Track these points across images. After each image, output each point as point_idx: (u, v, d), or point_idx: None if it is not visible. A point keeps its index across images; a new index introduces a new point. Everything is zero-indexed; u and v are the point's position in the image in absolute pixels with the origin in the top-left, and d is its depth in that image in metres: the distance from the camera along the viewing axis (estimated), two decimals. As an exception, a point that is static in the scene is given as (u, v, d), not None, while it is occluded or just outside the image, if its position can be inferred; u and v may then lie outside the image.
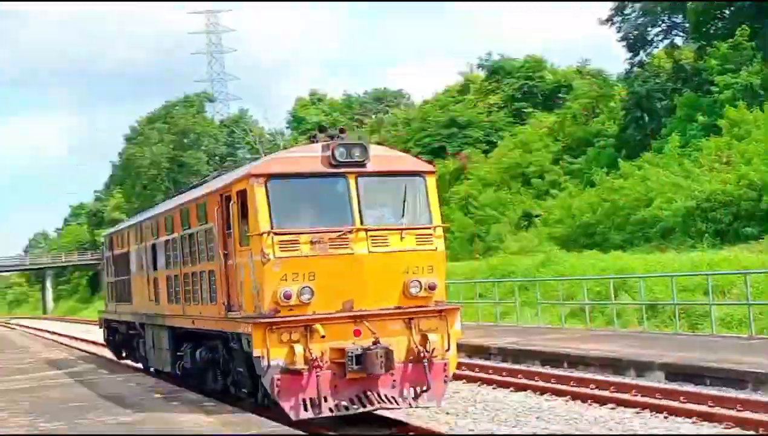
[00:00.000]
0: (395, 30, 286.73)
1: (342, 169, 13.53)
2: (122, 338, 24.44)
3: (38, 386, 18.97)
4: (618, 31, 52.56)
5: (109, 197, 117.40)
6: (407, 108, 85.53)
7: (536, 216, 45.62)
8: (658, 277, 25.60)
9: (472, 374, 19.73)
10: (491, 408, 15.65)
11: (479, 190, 52.69)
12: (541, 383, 17.56)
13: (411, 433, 12.28)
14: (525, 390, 17.26)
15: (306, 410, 12.70)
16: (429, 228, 13.99)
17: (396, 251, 13.56)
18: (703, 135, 38.74)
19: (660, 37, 52.17)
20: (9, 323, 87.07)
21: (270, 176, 13.31)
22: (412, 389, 13.34)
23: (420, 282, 13.58)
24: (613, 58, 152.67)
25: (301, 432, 11.86)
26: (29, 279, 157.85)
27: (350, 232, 13.31)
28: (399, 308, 13.48)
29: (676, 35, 52.18)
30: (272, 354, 12.63)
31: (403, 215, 14.09)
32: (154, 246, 19.24)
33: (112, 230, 27.23)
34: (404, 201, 14.14)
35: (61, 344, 38.70)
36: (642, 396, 15.37)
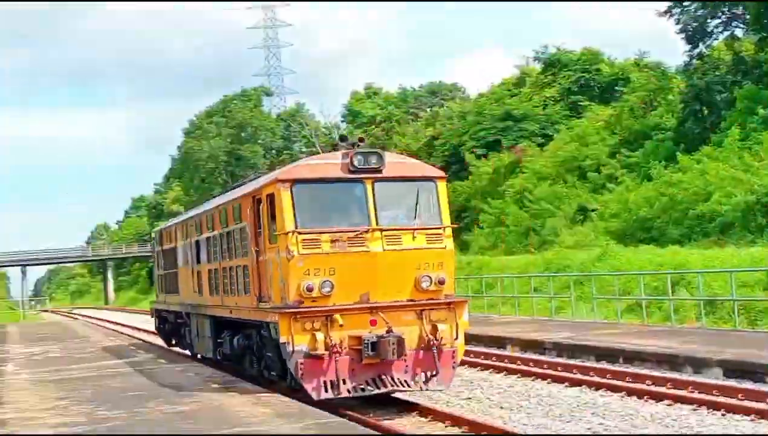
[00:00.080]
0: (452, 23, 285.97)
1: (360, 175, 14.99)
2: (171, 327, 26.22)
3: (99, 375, 19.38)
4: (677, 23, 51.73)
5: (168, 190, 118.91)
6: (462, 101, 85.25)
7: (592, 210, 45.24)
8: (716, 272, 25.30)
9: (527, 368, 19.68)
10: (545, 403, 15.62)
11: (534, 184, 52.37)
12: (596, 379, 17.45)
13: (484, 433, 12.41)
14: (580, 385, 17.15)
15: (326, 391, 14.13)
16: (439, 228, 15.39)
17: (408, 248, 14.98)
18: (763, 128, 38.05)
19: (720, 29, 51.24)
20: (71, 313, 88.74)
21: (295, 181, 14.85)
22: (423, 374, 14.72)
23: (430, 277, 14.99)
24: (671, 50, 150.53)
25: (367, 430, 11.98)
26: (91, 270, 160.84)
27: (366, 231, 14.73)
28: (411, 300, 14.93)
29: (736, 27, 51.25)
30: (296, 341, 14.10)
31: (415, 217, 15.42)
32: (197, 242, 20.87)
33: (161, 226, 28.94)
34: (417, 204, 15.48)
35: (121, 333, 39.37)
36: (699, 393, 15.23)
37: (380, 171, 15.14)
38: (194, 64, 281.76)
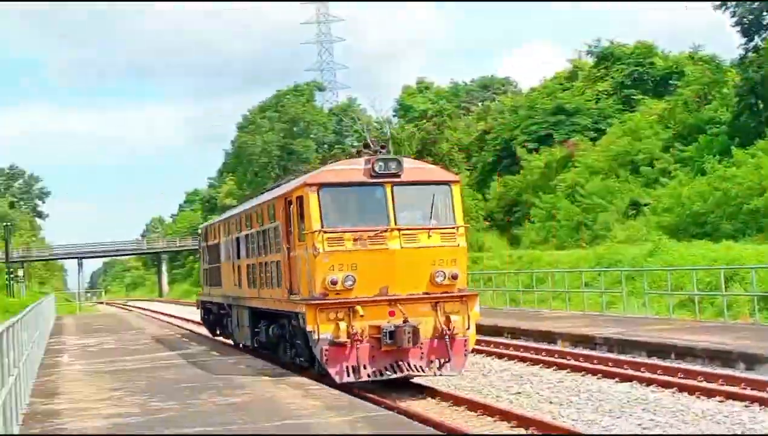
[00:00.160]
0: (503, 17, 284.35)
1: (380, 180, 16.34)
2: (215, 318, 27.79)
3: (153, 367, 19.68)
4: (732, 16, 51.01)
5: (221, 184, 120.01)
6: (514, 95, 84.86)
7: (645, 205, 44.84)
8: (771, 268, 24.96)
9: (577, 363, 19.59)
10: (595, 399, 15.55)
11: (586, 178, 52.00)
12: (647, 374, 17.32)
13: (553, 433, 12.47)
14: (631, 381, 17.01)
15: (348, 375, 15.52)
16: (452, 228, 16.67)
17: (424, 246, 16.31)
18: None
19: (775, 22, 50.46)
20: (126, 305, 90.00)
21: (321, 185, 16.23)
22: (437, 360, 16.01)
23: (444, 272, 16.24)
24: (726, 43, 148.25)
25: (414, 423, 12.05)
26: (146, 263, 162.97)
27: (386, 231, 16.09)
28: (427, 293, 16.21)
29: (792, 19, 50.40)
30: (321, 329, 15.49)
31: (431, 217, 16.71)
32: (237, 239, 22.46)
33: (206, 224, 31.01)
34: (432, 205, 16.76)
35: (175, 325, 39.83)
36: (752, 390, 15.08)
37: (399, 176, 16.43)
38: (248, 60, 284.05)
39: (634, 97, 60.78)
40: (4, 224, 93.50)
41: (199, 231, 31.50)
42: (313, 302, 15.71)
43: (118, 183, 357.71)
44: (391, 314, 15.86)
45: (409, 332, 15.48)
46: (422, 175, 17.13)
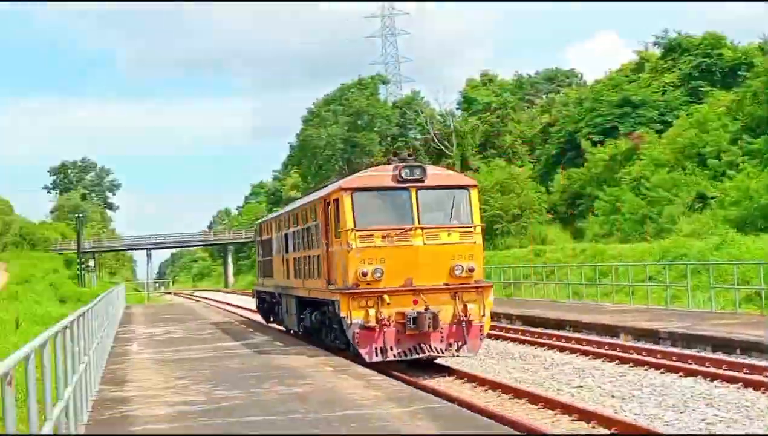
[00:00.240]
0: (569, 9, 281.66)
1: (406, 184, 18.45)
2: (268, 306, 30.61)
3: (217, 356, 20.02)
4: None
5: (286, 177, 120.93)
6: (579, 87, 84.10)
7: (711, 198, 44.20)
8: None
9: (640, 357, 19.45)
10: (658, 393, 15.46)
11: (652, 171, 51.39)
12: (711, 369, 17.14)
13: (631, 432, 12.47)
14: (695, 376, 16.84)
15: (377, 355, 17.59)
16: (470, 226, 18.70)
17: (444, 243, 18.39)
18: None
19: None
20: (193, 296, 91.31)
21: (354, 189, 18.44)
22: (455, 343, 18.03)
23: (462, 266, 18.27)
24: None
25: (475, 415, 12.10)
26: (212, 254, 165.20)
27: (410, 229, 18.22)
28: (446, 284, 18.25)
29: None
30: (353, 315, 17.67)
31: (451, 217, 18.85)
32: (286, 235, 25.10)
33: (260, 220, 34.59)
34: (452, 207, 18.89)
35: (240, 315, 40.32)
36: (818, 386, 14.88)
37: (423, 181, 18.53)
38: (314, 53, 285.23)
39: (702, 88, 59.90)
40: (77, 215, 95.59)
41: (255, 227, 34.06)
42: (346, 291, 17.87)
43: (186, 175, 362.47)
44: (415, 302, 17.91)
45: (430, 318, 17.59)
46: (443, 180, 19.21)
